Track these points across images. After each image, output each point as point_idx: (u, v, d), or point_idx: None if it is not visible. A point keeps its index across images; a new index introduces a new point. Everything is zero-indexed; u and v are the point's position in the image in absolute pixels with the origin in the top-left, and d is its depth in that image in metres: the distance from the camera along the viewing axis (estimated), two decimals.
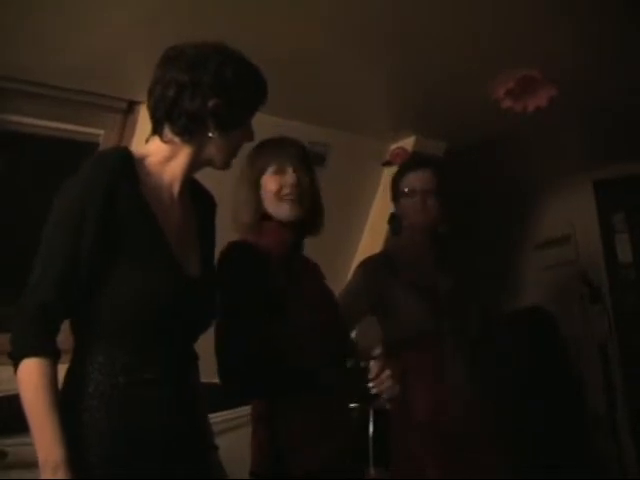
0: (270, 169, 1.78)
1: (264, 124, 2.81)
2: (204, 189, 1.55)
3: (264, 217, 1.79)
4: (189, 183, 1.46)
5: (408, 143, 3.30)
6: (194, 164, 1.40)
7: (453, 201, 2.31)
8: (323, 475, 1.65)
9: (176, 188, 1.39)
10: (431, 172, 2.27)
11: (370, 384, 1.64)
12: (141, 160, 1.35)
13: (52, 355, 1.22)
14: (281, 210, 1.77)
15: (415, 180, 2.27)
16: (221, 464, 1.47)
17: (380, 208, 3.31)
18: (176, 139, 1.37)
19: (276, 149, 1.82)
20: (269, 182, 1.78)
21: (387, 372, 1.63)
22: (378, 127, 3.17)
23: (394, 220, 2.37)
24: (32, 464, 1.25)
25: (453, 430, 2.08)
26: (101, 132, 2.52)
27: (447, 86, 2.72)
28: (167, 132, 1.37)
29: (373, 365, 1.63)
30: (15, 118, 2.35)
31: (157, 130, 1.39)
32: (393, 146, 3.32)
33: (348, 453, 1.71)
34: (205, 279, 1.42)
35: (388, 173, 3.20)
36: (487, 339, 2.40)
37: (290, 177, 1.77)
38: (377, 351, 1.66)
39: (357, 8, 2.14)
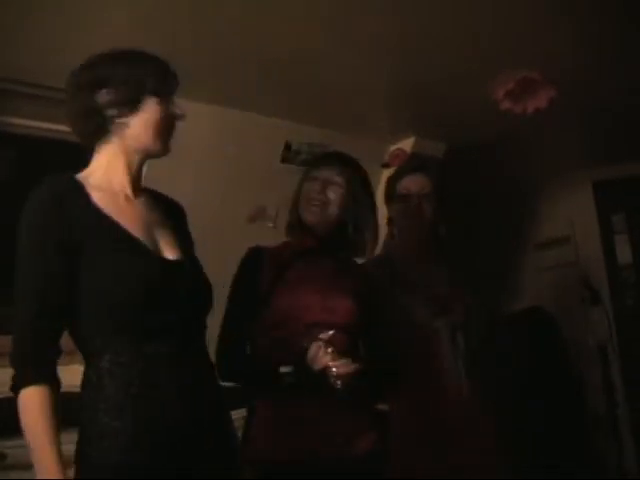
0: (311, 175, 1.93)
1: (263, 125, 2.85)
2: (171, 200, 1.59)
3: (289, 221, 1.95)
4: (151, 195, 1.50)
5: (407, 144, 3.30)
6: (131, 159, 1.43)
7: (452, 202, 2.31)
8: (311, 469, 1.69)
9: (128, 189, 1.43)
10: (426, 176, 2.28)
11: (311, 362, 1.68)
12: (86, 179, 1.41)
13: (50, 382, 1.27)
14: (304, 214, 1.90)
15: (411, 184, 2.27)
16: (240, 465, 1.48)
17: (380, 209, 3.31)
18: (102, 144, 1.42)
19: (325, 161, 1.98)
20: (304, 186, 1.93)
21: (323, 350, 1.66)
22: (377, 128, 3.17)
23: (392, 223, 2.38)
24: (31, 466, 1.26)
25: (453, 429, 2.07)
26: None
27: (447, 87, 2.72)
28: (94, 143, 1.44)
29: (311, 346, 1.68)
30: (14, 119, 2.35)
31: (89, 147, 1.45)
32: (392, 147, 3.32)
33: (338, 449, 1.73)
34: (188, 263, 1.44)
35: (387, 175, 3.19)
36: (487, 339, 2.39)
37: (319, 186, 1.89)
38: (326, 334, 1.68)
39: (357, 8, 2.14)
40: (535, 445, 3.34)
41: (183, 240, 1.51)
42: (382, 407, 2.11)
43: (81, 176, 1.42)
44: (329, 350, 1.65)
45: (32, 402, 1.24)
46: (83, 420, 1.28)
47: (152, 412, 1.27)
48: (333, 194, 1.90)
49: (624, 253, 3.97)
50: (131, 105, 1.40)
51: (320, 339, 1.68)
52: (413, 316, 2.16)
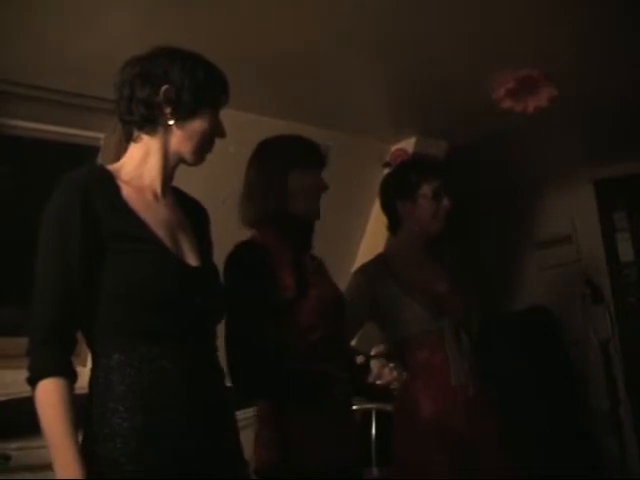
0: (305, 169, 1.83)
1: (264, 125, 2.84)
2: (195, 200, 1.58)
3: (280, 215, 1.80)
4: (177, 195, 1.49)
5: (409, 143, 3.30)
6: (167, 159, 1.43)
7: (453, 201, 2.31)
8: (327, 474, 1.66)
9: (157, 187, 1.43)
10: (444, 181, 2.29)
11: (374, 380, 1.66)
12: (118, 170, 1.40)
13: (68, 375, 1.25)
14: (311, 210, 1.83)
15: (440, 187, 2.26)
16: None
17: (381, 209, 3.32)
18: (143, 135, 1.41)
19: (312, 154, 1.89)
20: (306, 182, 1.82)
21: (388, 367, 1.65)
22: (379, 128, 3.17)
23: (395, 220, 2.35)
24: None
25: (457, 429, 2.08)
26: (101, 135, 2.51)
27: (447, 86, 2.72)
28: (135, 132, 1.42)
29: (373, 363, 1.66)
30: (14, 122, 2.35)
31: (128, 137, 1.44)
32: (394, 147, 3.32)
33: (353, 453, 1.73)
34: (207, 270, 1.44)
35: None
36: (487, 339, 2.39)
37: (320, 181, 1.84)
38: (377, 349, 1.67)
39: (357, 8, 2.13)
40: (535, 445, 3.34)
41: (203, 245, 1.49)
42: (387, 407, 2.11)
43: (113, 167, 1.42)
44: (391, 365, 1.66)
45: (51, 395, 1.22)
46: (90, 419, 1.27)
47: (162, 414, 1.27)
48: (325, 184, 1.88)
49: (626, 251, 3.97)
50: (187, 112, 1.40)
51: (377, 355, 1.67)
52: (414, 317, 2.16)
